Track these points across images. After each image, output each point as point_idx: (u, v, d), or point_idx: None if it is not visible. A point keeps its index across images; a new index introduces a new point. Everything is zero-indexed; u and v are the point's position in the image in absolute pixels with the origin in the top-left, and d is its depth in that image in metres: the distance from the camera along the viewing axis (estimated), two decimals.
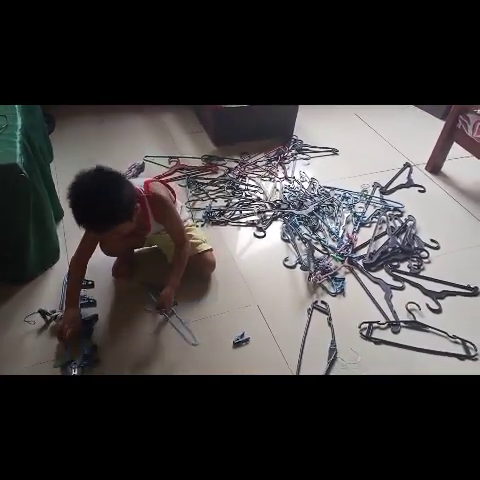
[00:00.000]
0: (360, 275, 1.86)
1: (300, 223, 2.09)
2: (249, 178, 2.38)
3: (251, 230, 2.07)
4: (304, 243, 1.99)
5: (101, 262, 1.71)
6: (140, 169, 2.32)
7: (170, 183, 2.06)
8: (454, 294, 1.80)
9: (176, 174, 2.37)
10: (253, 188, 2.32)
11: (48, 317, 1.57)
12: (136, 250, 1.86)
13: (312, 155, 2.62)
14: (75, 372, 1.40)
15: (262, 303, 1.71)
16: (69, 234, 1.90)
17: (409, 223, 2.13)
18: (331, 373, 1.49)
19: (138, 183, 1.52)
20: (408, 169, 2.53)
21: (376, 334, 1.62)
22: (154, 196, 1.52)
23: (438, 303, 1.75)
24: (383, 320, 1.67)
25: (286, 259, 1.91)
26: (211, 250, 1.77)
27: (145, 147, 2.55)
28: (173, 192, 1.71)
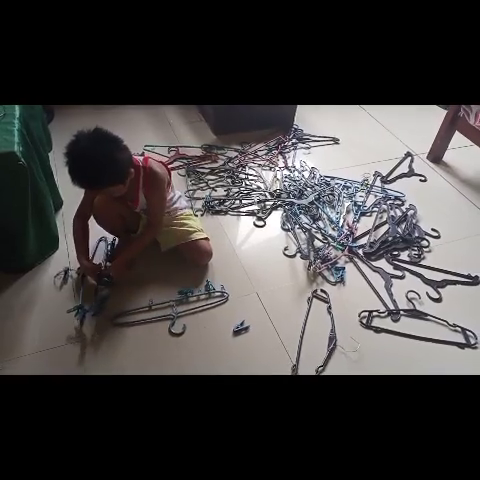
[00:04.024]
0: (360, 264, 1.86)
1: (300, 212, 2.08)
2: (249, 167, 2.37)
3: (251, 219, 2.06)
4: (304, 232, 1.98)
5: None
6: None
7: None
8: (454, 283, 1.80)
9: (176, 163, 2.36)
10: (253, 177, 2.30)
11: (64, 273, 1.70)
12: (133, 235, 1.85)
13: (313, 144, 2.60)
14: (77, 318, 1.54)
15: (262, 292, 1.71)
16: (68, 223, 1.87)
17: (410, 212, 2.12)
18: (331, 360, 1.49)
19: (139, 157, 1.56)
20: (409, 158, 2.51)
21: (376, 323, 1.62)
22: (150, 170, 1.55)
23: (438, 292, 1.74)
24: (383, 309, 1.67)
25: (286, 248, 1.90)
26: (207, 239, 1.76)
27: (145, 137, 2.53)
28: (170, 174, 1.70)
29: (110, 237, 1.83)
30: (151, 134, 2.58)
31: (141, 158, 1.57)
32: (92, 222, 1.69)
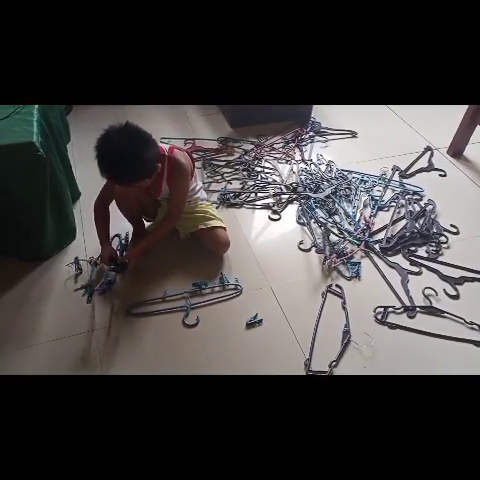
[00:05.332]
0: (376, 259, 1.83)
1: (316, 206, 2.06)
2: (265, 160, 2.36)
3: (266, 213, 2.05)
4: (320, 226, 1.96)
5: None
6: None
7: None
8: (473, 280, 1.76)
9: None
10: (269, 170, 2.29)
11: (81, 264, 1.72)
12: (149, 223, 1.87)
13: (330, 138, 2.57)
14: (87, 295, 1.57)
15: (276, 285, 1.70)
16: (86, 214, 1.91)
17: (428, 207, 2.08)
18: (344, 355, 1.48)
19: (164, 146, 1.58)
20: (429, 153, 2.46)
21: (391, 319, 1.60)
22: (175, 160, 1.56)
23: (456, 289, 1.71)
24: (399, 305, 1.64)
25: (301, 242, 1.89)
26: (224, 228, 1.76)
27: (161, 129, 2.53)
28: (193, 163, 1.72)
29: (124, 233, 1.84)
30: (167, 126, 2.59)
31: (167, 147, 1.58)
32: (113, 209, 1.71)
